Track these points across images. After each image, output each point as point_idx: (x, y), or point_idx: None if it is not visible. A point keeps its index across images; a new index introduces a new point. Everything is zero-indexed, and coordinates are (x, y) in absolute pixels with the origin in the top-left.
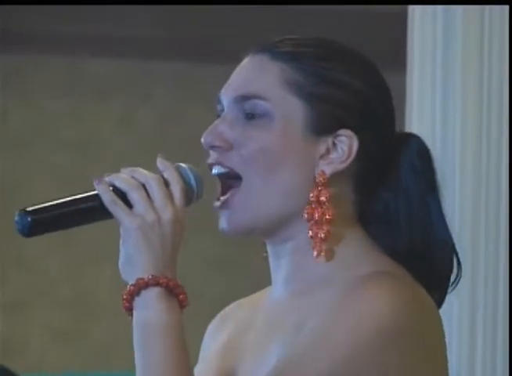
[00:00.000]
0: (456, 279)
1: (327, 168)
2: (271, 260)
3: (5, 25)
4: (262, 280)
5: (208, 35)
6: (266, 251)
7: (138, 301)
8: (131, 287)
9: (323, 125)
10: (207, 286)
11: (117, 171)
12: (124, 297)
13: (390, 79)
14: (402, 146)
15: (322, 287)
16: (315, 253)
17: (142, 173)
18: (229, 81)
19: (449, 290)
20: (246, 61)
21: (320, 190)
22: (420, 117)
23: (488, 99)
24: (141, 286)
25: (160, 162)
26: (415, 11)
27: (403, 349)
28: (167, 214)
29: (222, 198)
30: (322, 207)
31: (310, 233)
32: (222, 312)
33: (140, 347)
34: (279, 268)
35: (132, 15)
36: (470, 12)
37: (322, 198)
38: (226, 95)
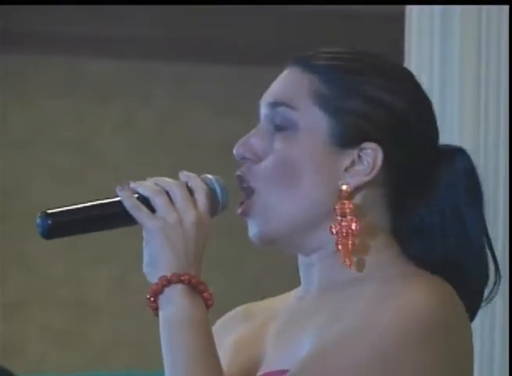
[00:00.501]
0: (489, 294)
1: (352, 180)
2: (301, 269)
3: (5, 25)
4: (261, 280)
5: (208, 35)
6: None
7: (162, 299)
8: (155, 286)
9: (348, 138)
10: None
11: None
12: (148, 296)
13: None
14: (444, 161)
15: (353, 286)
16: (345, 264)
17: (166, 181)
18: (265, 93)
19: (483, 304)
20: (283, 72)
21: (345, 203)
22: None
23: (485, 99)
24: (164, 284)
25: (184, 174)
26: (412, 11)
27: (440, 348)
28: (189, 216)
29: (241, 207)
30: (347, 220)
31: (338, 246)
32: (239, 309)
33: (167, 344)
34: (310, 276)
35: (132, 15)
36: (468, 12)
37: (348, 210)
38: (261, 104)
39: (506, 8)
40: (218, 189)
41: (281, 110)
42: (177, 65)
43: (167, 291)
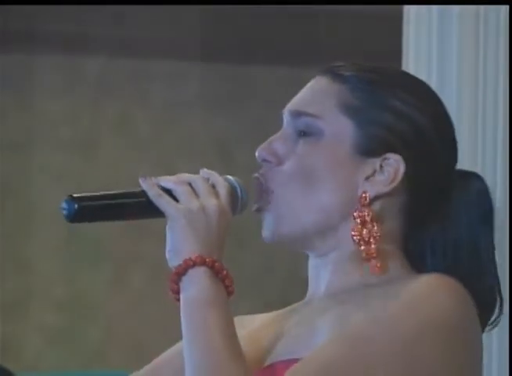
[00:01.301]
0: (496, 318)
1: (371, 189)
2: (311, 270)
3: (4, 25)
4: (259, 279)
5: (208, 35)
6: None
7: (184, 280)
8: (179, 268)
9: (372, 147)
10: None
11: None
12: (172, 278)
13: None
14: (460, 181)
15: (369, 288)
16: (374, 269)
17: (188, 175)
18: (293, 99)
19: (487, 329)
20: (311, 81)
21: (365, 210)
22: None
23: (483, 99)
24: (188, 265)
25: (205, 171)
26: (410, 11)
27: (463, 343)
28: (211, 205)
29: (258, 203)
30: (367, 227)
31: (362, 249)
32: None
33: (188, 324)
34: (319, 279)
35: (132, 15)
36: (466, 12)
37: (367, 218)
38: (287, 111)
39: (504, 7)
40: (239, 188)
41: (305, 119)
42: (176, 65)
43: (191, 272)
